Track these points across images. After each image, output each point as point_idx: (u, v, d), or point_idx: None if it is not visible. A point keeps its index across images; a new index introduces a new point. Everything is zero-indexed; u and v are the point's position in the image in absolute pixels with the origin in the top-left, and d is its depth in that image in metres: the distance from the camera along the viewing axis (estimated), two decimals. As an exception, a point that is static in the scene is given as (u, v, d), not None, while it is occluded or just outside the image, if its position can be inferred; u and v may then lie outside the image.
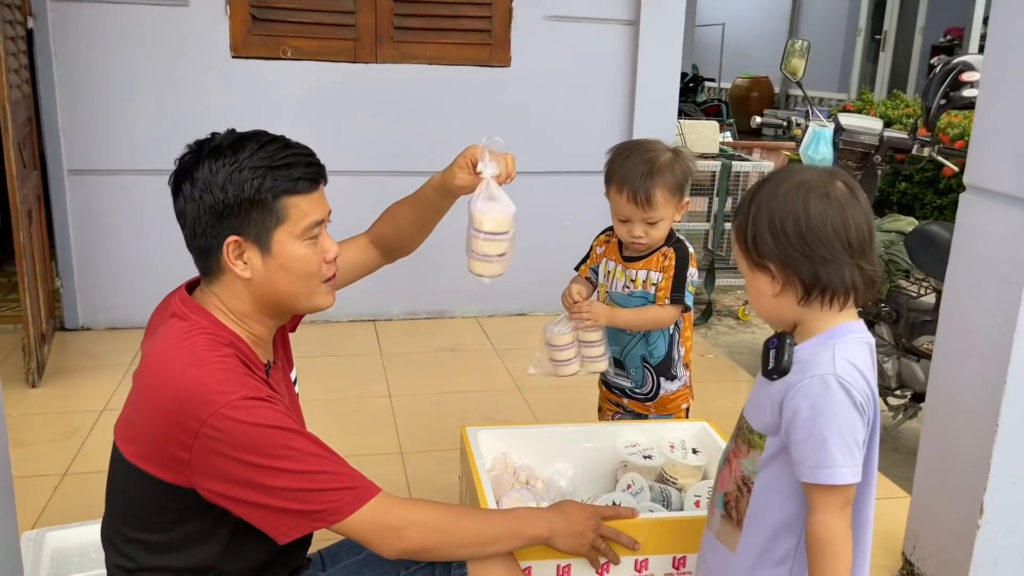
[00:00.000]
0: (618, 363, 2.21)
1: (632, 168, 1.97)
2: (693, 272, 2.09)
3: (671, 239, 2.11)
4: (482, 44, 4.09)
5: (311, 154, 1.41)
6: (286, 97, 3.94)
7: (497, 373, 3.65)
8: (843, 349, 1.26)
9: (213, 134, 1.39)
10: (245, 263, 1.36)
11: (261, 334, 1.43)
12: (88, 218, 3.91)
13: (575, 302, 2.11)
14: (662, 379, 2.18)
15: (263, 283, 1.37)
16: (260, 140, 1.36)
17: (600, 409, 2.37)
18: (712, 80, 12.02)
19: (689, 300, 2.07)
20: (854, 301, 1.29)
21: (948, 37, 10.46)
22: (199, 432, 1.23)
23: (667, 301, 2.06)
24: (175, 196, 1.37)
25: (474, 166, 1.63)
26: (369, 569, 1.36)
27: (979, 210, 1.99)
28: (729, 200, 4.64)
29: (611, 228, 2.16)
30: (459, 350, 3.94)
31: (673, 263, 2.06)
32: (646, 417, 2.22)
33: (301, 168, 1.36)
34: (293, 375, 1.65)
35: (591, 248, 2.28)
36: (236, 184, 1.32)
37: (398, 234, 1.78)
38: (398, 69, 4.03)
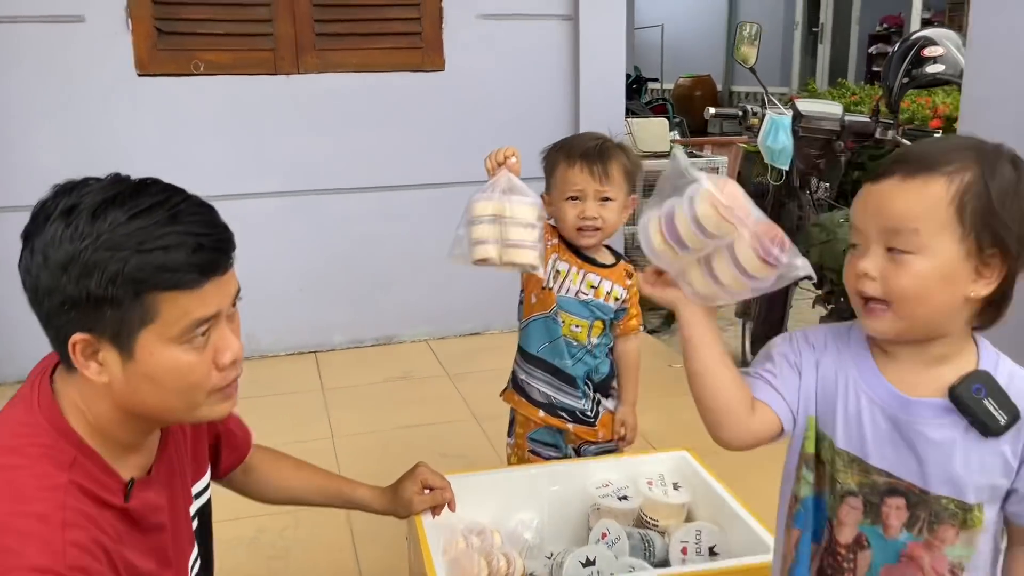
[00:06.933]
0: (568, 379, 1.92)
1: (585, 141, 1.82)
2: None
3: (620, 258, 1.94)
4: (412, 48, 3.81)
5: (210, 231, 1.01)
6: (202, 116, 3.59)
7: (451, 402, 3.35)
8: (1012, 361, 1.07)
9: (88, 180, 1.01)
10: (100, 364, 1.00)
11: (130, 440, 1.08)
12: (-12, 261, 3.53)
13: (505, 157, 1.62)
14: (599, 395, 1.97)
15: (125, 392, 1.02)
16: (137, 205, 0.97)
17: (516, 437, 2.03)
18: (655, 80, 11.96)
19: None
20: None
21: (885, 26, 10.53)
22: None
23: (641, 328, 1.94)
24: (22, 250, 1.02)
25: (426, 487, 1.58)
26: None
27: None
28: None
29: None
30: (409, 378, 3.63)
31: (637, 287, 1.84)
32: (592, 444, 1.98)
33: (186, 253, 0.97)
34: (201, 485, 1.29)
35: None
36: (82, 267, 0.94)
37: (279, 493, 1.61)
38: (323, 79, 3.73)
